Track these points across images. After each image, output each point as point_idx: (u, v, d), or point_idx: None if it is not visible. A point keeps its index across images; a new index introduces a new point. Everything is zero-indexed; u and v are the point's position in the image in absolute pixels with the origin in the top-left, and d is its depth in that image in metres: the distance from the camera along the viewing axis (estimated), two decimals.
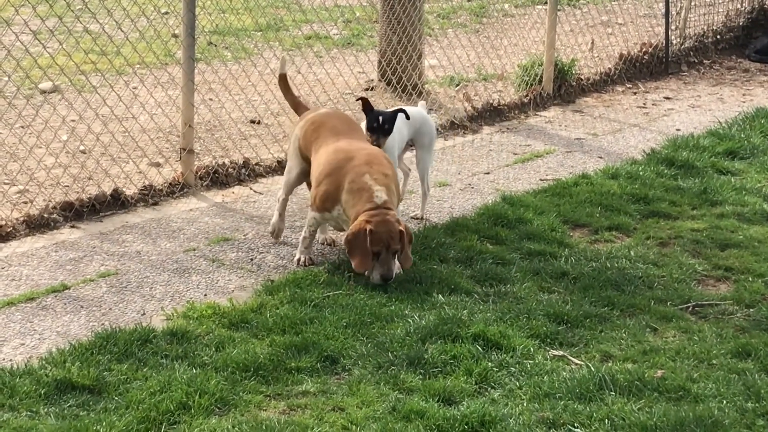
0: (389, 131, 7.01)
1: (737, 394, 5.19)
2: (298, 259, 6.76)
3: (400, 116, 7.15)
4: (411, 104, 9.87)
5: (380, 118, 6.99)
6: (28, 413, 4.93)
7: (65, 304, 6.13)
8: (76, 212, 7.36)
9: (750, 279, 6.64)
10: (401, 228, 6.34)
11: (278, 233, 7.09)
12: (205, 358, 5.44)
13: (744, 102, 11.27)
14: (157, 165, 8.36)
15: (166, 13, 11.78)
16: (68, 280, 6.42)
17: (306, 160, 6.89)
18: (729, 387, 5.26)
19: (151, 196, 7.77)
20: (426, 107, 7.83)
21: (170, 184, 7.95)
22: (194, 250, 6.97)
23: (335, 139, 6.70)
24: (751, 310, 6.23)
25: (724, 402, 5.11)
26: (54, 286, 6.32)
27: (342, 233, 6.80)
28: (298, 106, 7.33)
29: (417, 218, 7.53)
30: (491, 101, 10.38)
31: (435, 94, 10.68)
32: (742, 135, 9.58)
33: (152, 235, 7.19)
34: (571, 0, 14.92)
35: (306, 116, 7.03)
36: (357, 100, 7.33)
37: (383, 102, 10.20)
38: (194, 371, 5.27)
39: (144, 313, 6.05)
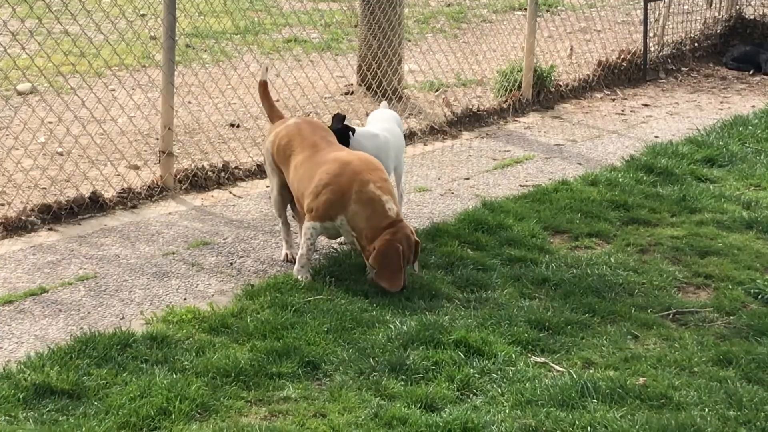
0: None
1: (719, 402, 5.20)
2: (296, 280, 6.43)
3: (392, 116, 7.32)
4: (391, 109, 9.88)
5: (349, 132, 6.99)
6: (7, 418, 4.88)
7: (43, 307, 6.08)
8: (54, 215, 7.30)
9: (730, 286, 6.65)
10: (416, 239, 6.39)
11: (292, 259, 6.81)
12: (186, 363, 5.40)
13: (722, 109, 11.31)
14: (136, 168, 8.32)
15: (144, 15, 11.73)
16: (46, 284, 6.37)
17: (282, 173, 6.82)
18: (711, 395, 5.26)
19: (129, 199, 7.72)
20: (386, 107, 7.75)
21: (149, 187, 7.91)
22: (173, 254, 6.93)
23: (313, 149, 6.61)
24: (732, 317, 6.24)
25: (706, 410, 5.11)
26: (32, 290, 6.27)
27: (329, 240, 6.81)
28: (273, 115, 7.17)
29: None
30: (471, 107, 10.38)
31: (414, 99, 10.67)
32: (721, 142, 9.61)
33: (131, 238, 7.14)
34: (550, 6, 14.95)
35: (274, 129, 6.93)
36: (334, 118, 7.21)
37: (363, 106, 10.18)
38: (174, 376, 5.23)
39: (123, 318, 6.00)
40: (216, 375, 5.27)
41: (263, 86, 7.20)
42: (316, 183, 6.44)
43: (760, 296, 6.53)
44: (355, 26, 12.22)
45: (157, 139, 8.42)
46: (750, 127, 10.17)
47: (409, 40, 12.36)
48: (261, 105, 9.37)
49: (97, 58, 9.63)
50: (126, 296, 6.28)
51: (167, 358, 5.44)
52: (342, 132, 6.93)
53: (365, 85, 10.52)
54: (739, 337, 5.97)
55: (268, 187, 7.38)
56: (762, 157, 9.32)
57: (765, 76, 12.98)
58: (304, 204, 6.52)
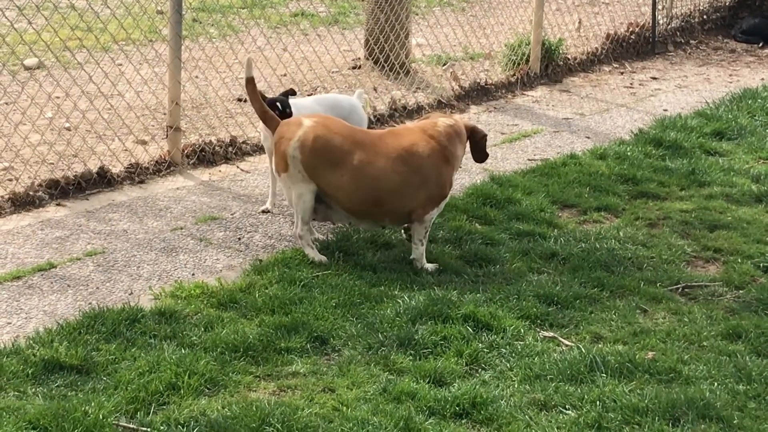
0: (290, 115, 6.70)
1: (728, 376, 5.19)
2: (422, 268, 6.33)
3: (332, 105, 7.10)
4: (398, 84, 9.85)
5: (278, 104, 6.77)
6: (16, 393, 4.88)
7: (52, 283, 6.08)
8: (61, 190, 7.30)
9: (739, 260, 6.63)
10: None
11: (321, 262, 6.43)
12: (194, 338, 5.40)
13: (731, 82, 11.26)
14: (144, 143, 8.30)
15: None
16: (55, 259, 6.37)
17: (314, 181, 6.33)
18: (720, 369, 5.26)
19: (137, 174, 7.71)
20: (362, 97, 7.36)
21: (156, 162, 7.89)
22: (181, 229, 6.92)
23: (366, 147, 6.28)
24: (741, 291, 6.23)
25: (716, 384, 5.11)
26: (40, 265, 6.27)
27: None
28: (268, 116, 6.51)
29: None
30: (478, 80, 10.34)
31: (422, 73, 10.63)
32: (730, 116, 9.57)
33: (139, 213, 7.13)
34: None
35: (293, 133, 6.27)
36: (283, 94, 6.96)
37: (370, 80, 10.15)
38: (183, 351, 5.23)
39: (131, 293, 6.00)
40: (225, 350, 5.28)
41: (250, 83, 6.49)
42: (412, 183, 6.26)
43: None
44: (363, 0, 12.17)
45: (165, 114, 8.39)
46: (759, 100, 10.12)
47: (417, 14, 12.31)
48: (270, 77, 9.38)
49: (104, 33, 9.60)
50: (134, 271, 6.28)
51: (176, 333, 5.44)
52: (283, 104, 6.81)
53: (373, 59, 10.48)
54: (749, 311, 5.96)
55: (282, 199, 7.07)
56: None
57: None
58: (411, 201, 6.29)
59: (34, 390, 4.91)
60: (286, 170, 6.30)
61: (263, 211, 7.18)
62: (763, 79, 11.33)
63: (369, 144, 6.33)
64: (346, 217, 6.47)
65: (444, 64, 10.91)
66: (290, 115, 6.71)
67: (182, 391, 4.93)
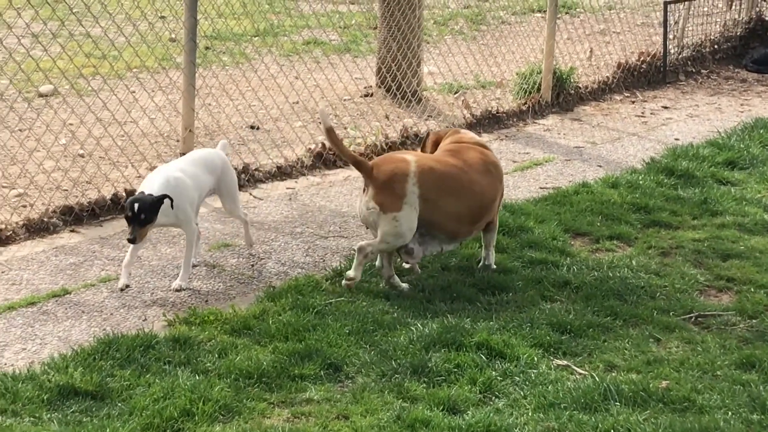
0: (148, 221, 6.09)
1: (742, 406, 5.18)
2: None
3: (205, 162, 6.56)
4: (410, 111, 9.90)
5: (136, 205, 6.04)
6: (31, 419, 4.90)
7: (66, 309, 6.10)
8: (75, 216, 7.33)
9: (752, 290, 6.63)
10: None
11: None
12: (208, 364, 5.42)
13: (742, 112, 11.27)
14: None
15: (163, 17, 11.76)
16: (69, 285, 6.39)
17: (423, 213, 6.36)
18: (734, 398, 5.25)
19: None
20: (227, 148, 6.88)
21: None
22: (195, 256, 6.93)
23: (466, 168, 6.53)
24: (754, 321, 6.22)
25: (730, 413, 5.10)
26: (55, 291, 6.29)
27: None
28: (360, 162, 6.37)
29: (250, 246, 6.93)
30: (490, 108, 10.38)
31: (434, 101, 10.67)
32: (742, 145, 9.58)
33: (152, 240, 7.15)
34: (569, 8, 14.93)
35: (412, 171, 6.26)
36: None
37: (382, 108, 10.19)
38: (197, 378, 5.25)
39: (146, 319, 6.02)
40: (239, 376, 5.29)
41: (332, 134, 6.35)
42: (497, 202, 6.72)
43: None
44: (374, 28, 12.23)
45: (178, 140, 8.44)
46: None
47: (428, 42, 12.36)
48: (283, 105, 9.43)
49: (118, 60, 9.66)
50: (148, 298, 6.30)
51: (190, 359, 5.46)
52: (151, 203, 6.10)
53: (384, 87, 10.53)
54: (762, 341, 5.95)
55: (385, 238, 6.32)
56: None
57: None
58: (493, 210, 6.69)
59: (49, 416, 4.92)
60: (399, 209, 6.24)
61: (122, 288, 6.27)
62: None
63: (466, 164, 6.55)
64: (439, 244, 6.52)
65: (455, 93, 10.95)
66: (140, 218, 6.07)
67: (197, 418, 4.94)
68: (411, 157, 6.41)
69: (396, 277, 6.44)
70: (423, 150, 6.98)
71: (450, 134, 6.90)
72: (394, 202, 6.24)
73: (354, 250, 6.93)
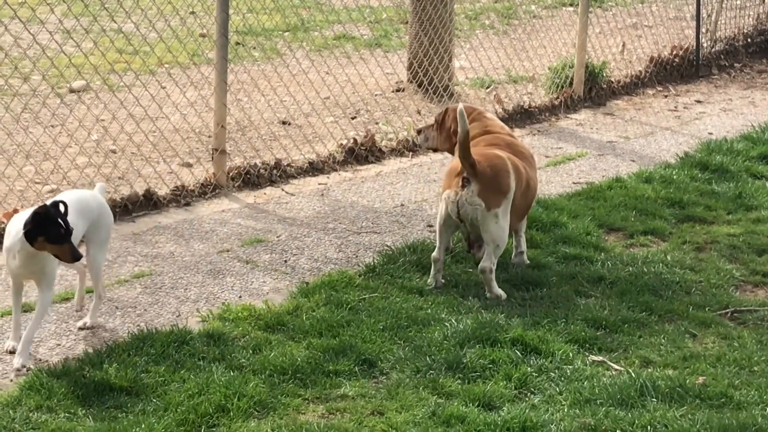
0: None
1: None
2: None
3: (81, 204, 5.65)
4: (442, 106, 9.84)
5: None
6: (66, 415, 4.91)
7: (100, 305, 6.10)
8: None
9: None
10: None
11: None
12: (243, 360, 5.41)
13: None
14: (189, 165, 8.34)
15: (193, 12, 11.78)
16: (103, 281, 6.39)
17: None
18: None
19: (183, 197, 7.75)
20: (104, 191, 6.04)
21: (202, 184, 7.93)
22: (227, 251, 6.94)
23: (525, 162, 6.61)
24: None
25: (767, 409, 5.06)
26: (88, 287, 6.28)
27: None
28: (472, 160, 6.24)
29: (85, 328, 5.82)
30: (522, 103, 10.33)
31: (465, 96, 10.63)
32: None
33: (185, 236, 7.17)
34: (601, 2, 14.85)
35: (510, 168, 6.33)
36: None
37: (414, 103, 10.16)
38: (232, 374, 5.24)
39: (179, 315, 6.03)
40: (273, 373, 5.28)
41: (467, 138, 6.20)
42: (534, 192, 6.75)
43: None
44: (405, 22, 12.20)
45: (210, 136, 8.44)
46: None
47: (459, 37, 12.32)
48: (314, 100, 9.43)
49: (150, 56, 9.68)
50: (182, 294, 6.30)
51: (224, 355, 5.45)
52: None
53: (416, 82, 10.49)
54: None
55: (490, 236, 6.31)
56: None
57: None
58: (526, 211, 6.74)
59: (84, 411, 4.93)
60: (499, 205, 6.25)
61: (81, 328, 5.82)
62: None
63: (524, 159, 6.61)
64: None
65: (487, 87, 10.91)
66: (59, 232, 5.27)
67: (232, 414, 4.94)
68: (501, 153, 6.44)
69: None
70: (441, 127, 6.90)
71: (474, 116, 6.84)
72: (498, 199, 6.25)
73: (387, 246, 6.94)
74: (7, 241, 5.41)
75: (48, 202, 5.33)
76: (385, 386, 5.26)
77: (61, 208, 5.27)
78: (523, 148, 6.77)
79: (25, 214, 5.32)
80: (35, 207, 5.36)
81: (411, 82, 10.63)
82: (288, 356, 5.40)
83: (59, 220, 5.22)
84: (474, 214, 6.22)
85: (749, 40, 13.32)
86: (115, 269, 6.58)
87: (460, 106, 6.35)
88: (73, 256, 5.30)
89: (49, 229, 5.21)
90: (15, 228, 5.36)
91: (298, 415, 4.99)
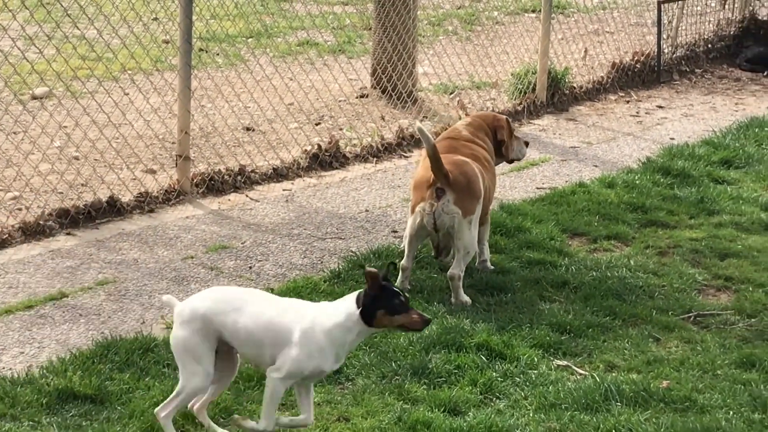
0: None
1: (743, 405, 5.19)
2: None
3: None
4: (406, 112, 9.88)
5: None
6: (30, 423, 4.89)
7: (63, 312, 6.08)
8: (71, 219, 7.30)
9: (750, 289, 6.63)
10: None
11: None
12: None
13: (737, 111, 11.28)
14: (153, 172, 8.32)
15: (156, 18, 11.74)
16: (66, 288, 6.37)
17: None
18: (735, 398, 5.25)
19: (147, 204, 7.72)
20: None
21: (166, 191, 7.90)
22: (192, 258, 6.92)
23: (485, 172, 6.63)
24: (753, 320, 6.23)
25: (731, 413, 5.11)
26: (52, 294, 6.27)
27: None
28: (445, 172, 6.27)
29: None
30: (485, 109, 10.36)
31: (429, 102, 10.66)
32: (737, 144, 9.59)
33: (149, 242, 7.14)
34: (563, 9, 14.93)
35: (479, 171, 6.44)
36: None
37: (377, 109, 10.17)
38: None
39: (144, 322, 6.00)
40: (238, 379, 5.26)
41: (436, 152, 6.24)
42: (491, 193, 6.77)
43: None
44: (368, 29, 12.21)
45: (173, 143, 8.42)
46: (766, 129, 10.14)
47: (422, 43, 12.34)
48: (278, 106, 9.41)
49: (113, 62, 9.64)
50: (146, 301, 6.27)
51: None
52: None
53: (380, 88, 10.50)
54: (762, 340, 5.96)
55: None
56: None
57: None
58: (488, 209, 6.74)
59: (48, 420, 4.91)
60: (474, 211, 6.32)
61: None
62: None
63: (482, 164, 6.62)
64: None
65: (451, 93, 10.94)
66: None
67: (197, 421, 4.91)
68: (467, 159, 6.48)
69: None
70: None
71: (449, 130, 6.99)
72: (473, 205, 6.31)
73: (352, 252, 6.95)
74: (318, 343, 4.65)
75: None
76: (350, 392, 5.26)
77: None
78: (478, 151, 6.74)
79: (310, 310, 4.73)
80: (355, 293, 4.72)
81: (375, 88, 10.64)
82: None
83: (393, 288, 4.72)
84: (451, 223, 6.25)
85: (710, 45, 13.43)
86: (78, 276, 6.55)
87: (418, 124, 6.40)
88: (424, 320, 4.72)
89: (388, 301, 4.66)
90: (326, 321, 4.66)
91: None
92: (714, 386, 5.38)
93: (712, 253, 7.16)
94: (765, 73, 13.01)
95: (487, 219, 6.79)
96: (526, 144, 7.24)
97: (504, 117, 7.09)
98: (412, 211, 6.34)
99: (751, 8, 14.07)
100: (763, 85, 12.55)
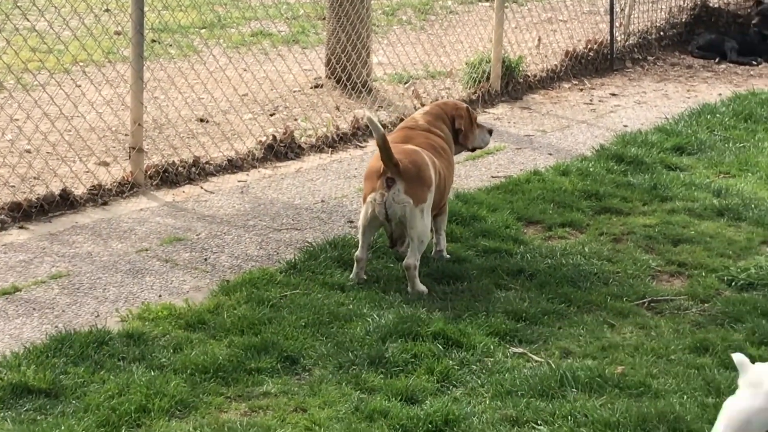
0: None
1: (697, 389, 5.23)
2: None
3: None
4: (361, 102, 9.87)
5: None
6: None
7: (17, 306, 6.02)
8: (24, 213, 7.24)
9: (703, 274, 6.69)
10: None
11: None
12: (163, 359, 5.37)
13: (689, 98, 11.36)
14: (106, 164, 8.26)
15: (107, 10, 11.66)
16: (19, 282, 6.31)
17: None
18: (689, 382, 5.29)
19: (100, 196, 7.66)
20: None
21: (119, 183, 7.85)
22: (146, 250, 6.89)
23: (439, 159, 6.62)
24: (706, 305, 6.28)
25: (685, 397, 5.14)
26: (5, 288, 6.21)
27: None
28: (395, 160, 6.26)
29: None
30: (440, 98, 10.36)
31: (384, 92, 10.66)
32: (689, 130, 9.66)
33: (103, 235, 7.09)
34: None
35: (431, 160, 6.42)
36: None
37: (332, 99, 10.16)
38: (152, 373, 5.20)
39: (98, 315, 5.96)
40: (194, 371, 5.25)
41: (385, 141, 6.20)
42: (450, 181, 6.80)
43: (733, 283, 6.57)
44: (322, 18, 12.18)
45: (127, 135, 8.36)
46: (718, 115, 10.23)
47: (377, 33, 12.34)
48: (232, 97, 9.37)
49: (64, 54, 9.56)
50: (100, 294, 6.23)
51: (144, 355, 5.41)
52: None
53: (334, 78, 10.49)
54: (715, 324, 6.01)
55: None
56: (730, 145, 9.38)
57: (730, 64, 13.06)
58: (445, 199, 6.73)
59: (2, 414, 4.86)
60: (425, 199, 6.30)
61: None
62: (720, 94, 11.44)
63: (435, 150, 6.59)
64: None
65: (405, 83, 10.94)
66: None
67: (152, 414, 4.90)
68: (416, 147, 6.46)
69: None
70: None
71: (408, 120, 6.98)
72: (424, 193, 6.29)
73: (308, 242, 6.94)
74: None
75: None
76: (307, 383, 5.26)
77: None
78: (433, 140, 6.72)
79: None
80: None
81: (329, 78, 10.62)
82: (209, 355, 5.37)
83: None
84: (402, 212, 6.24)
85: (662, 33, 13.52)
86: (32, 270, 6.49)
87: (367, 113, 6.39)
88: None
89: None
90: None
91: (220, 414, 4.97)
92: (668, 371, 5.42)
93: (665, 239, 7.22)
94: (716, 60, 13.13)
95: (445, 209, 6.79)
96: (490, 132, 7.22)
97: (465, 105, 7.08)
98: (364, 202, 6.34)
99: None
100: (715, 72, 12.66)
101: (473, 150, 7.24)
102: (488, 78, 10.84)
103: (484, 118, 10.27)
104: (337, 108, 9.94)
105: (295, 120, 9.63)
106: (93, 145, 8.41)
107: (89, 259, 6.70)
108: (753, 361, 4.55)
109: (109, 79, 9.23)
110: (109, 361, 5.33)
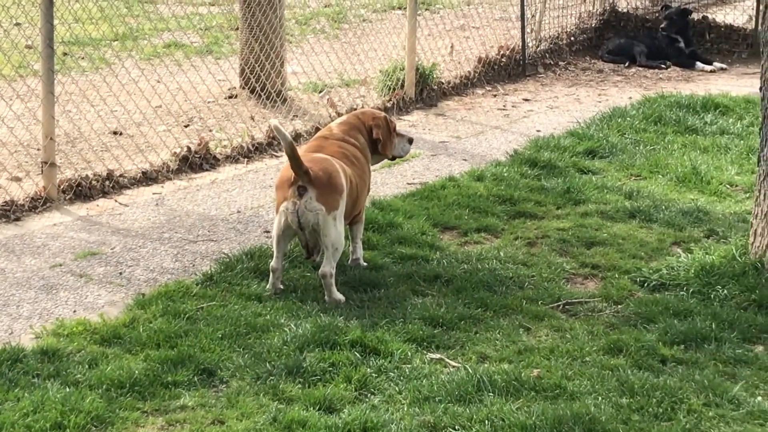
0: None
1: (612, 390, 5.30)
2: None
3: None
4: (275, 112, 9.87)
5: None
6: None
7: None
8: None
9: (616, 276, 6.78)
10: None
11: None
12: (79, 375, 5.32)
13: (600, 102, 11.53)
14: (18, 179, 8.16)
15: (18, 24, 11.51)
16: None
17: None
18: (603, 383, 5.36)
19: (12, 212, 7.57)
20: None
21: (32, 198, 7.76)
22: (60, 265, 6.81)
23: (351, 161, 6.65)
24: (619, 306, 6.37)
25: (600, 398, 5.21)
26: None
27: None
28: (306, 169, 6.24)
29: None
30: (355, 106, 10.40)
31: (299, 101, 10.66)
32: (601, 134, 9.80)
33: (15, 251, 7.00)
34: (428, 5, 15.06)
35: (343, 170, 6.41)
36: None
37: (247, 109, 10.14)
38: (68, 390, 5.14)
39: (12, 332, 5.88)
40: (110, 387, 5.20)
41: (293, 148, 6.18)
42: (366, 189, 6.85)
43: (645, 284, 6.67)
44: (235, 29, 12.15)
45: (39, 149, 8.27)
46: (628, 119, 10.39)
47: (291, 42, 12.34)
48: (146, 109, 9.31)
49: None
50: (14, 311, 6.15)
51: (59, 371, 5.35)
52: None
53: (249, 88, 10.48)
54: (628, 325, 6.09)
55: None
56: (641, 148, 9.53)
57: (640, 68, 13.28)
58: (357, 208, 6.70)
59: None
60: (337, 206, 6.28)
61: None
62: (630, 97, 11.63)
63: (347, 159, 6.61)
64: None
65: (320, 91, 10.96)
66: None
67: (69, 430, 4.85)
68: (327, 156, 6.46)
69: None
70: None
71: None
72: (335, 201, 6.28)
73: (224, 253, 6.91)
74: None
75: None
76: (225, 395, 5.24)
77: None
78: (346, 149, 6.72)
79: None
80: None
81: (243, 88, 10.61)
82: (125, 369, 5.33)
83: None
84: (315, 220, 6.25)
85: (573, 38, 13.72)
86: None
87: (274, 122, 6.38)
88: None
89: None
90: None
91: (137, 428, 4.94)
92: (583, 373, 5.49)
93: (579, 242, 7.31)
94: (626, 64, 13.35)
95: (361, 217, 6.81)
96: (410, 141, 7.26)
97: (383, 115, 7.10)
98: (277, 211, 6.34)
99: (610, 1, 14.40)
100: (625, 76, 12.86)
101: (393, 159, 7.26)
102: (402, 85, 10.90)
103: (399, 125, 10.30)
104: (252, 118, 9.93)
105: (210, 131, 9.60)
106: (4, 161, 8.31)
107: (2, 276, 6.61)
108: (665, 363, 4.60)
109: (19, 93, 9.12)
110: (24, 379, 5.27)
